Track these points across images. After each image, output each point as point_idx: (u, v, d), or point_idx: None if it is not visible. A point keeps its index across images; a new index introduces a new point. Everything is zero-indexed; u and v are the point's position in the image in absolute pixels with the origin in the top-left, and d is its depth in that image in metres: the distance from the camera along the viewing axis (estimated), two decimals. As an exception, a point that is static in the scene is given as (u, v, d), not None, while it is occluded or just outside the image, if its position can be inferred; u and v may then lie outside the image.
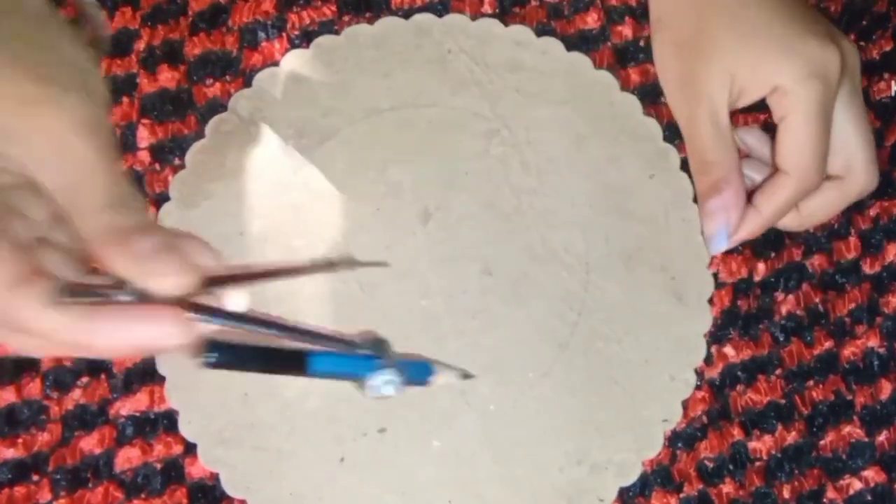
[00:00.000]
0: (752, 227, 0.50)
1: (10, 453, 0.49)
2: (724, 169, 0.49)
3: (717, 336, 0.52)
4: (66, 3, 0.37)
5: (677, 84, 0.51)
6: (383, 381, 0.44)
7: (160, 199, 0.52)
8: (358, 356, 0.45)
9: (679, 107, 0.52)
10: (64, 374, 0.50)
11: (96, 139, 0.34)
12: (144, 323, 0.34)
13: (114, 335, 0.33)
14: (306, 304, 0.50)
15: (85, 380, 0.50)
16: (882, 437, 0.52)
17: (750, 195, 0.50)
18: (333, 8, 0.55)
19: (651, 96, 0.55)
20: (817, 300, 0.53)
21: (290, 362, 0.42)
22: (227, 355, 0.37)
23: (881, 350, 0.53)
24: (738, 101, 0.50)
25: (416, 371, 0.46)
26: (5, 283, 0.31)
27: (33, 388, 0.50)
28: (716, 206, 0.50)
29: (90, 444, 0.50)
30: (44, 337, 0.33)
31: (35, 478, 0.49)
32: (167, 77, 0.54)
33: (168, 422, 0.50)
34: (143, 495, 0.49)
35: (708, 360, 0.52)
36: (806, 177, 0.49)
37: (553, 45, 0.55)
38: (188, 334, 0.34)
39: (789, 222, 0.51)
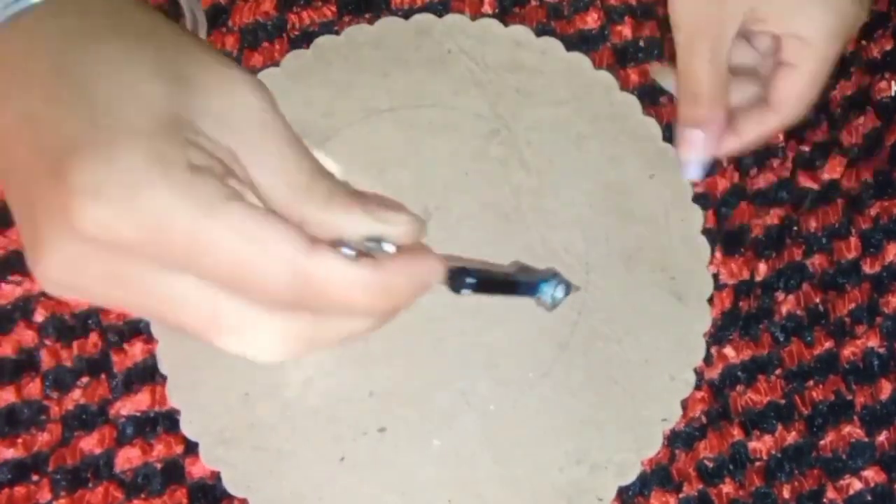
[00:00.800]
0: (727, 149, 0.51)
1: (9, 453, 0.50)
2: (713, 105, 0.50)
3: (717, 337, 0.53)
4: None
5: (685, 2, 0.50)
6: (553, 290, 0.45)
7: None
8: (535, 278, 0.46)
9: (683, 27, 0.51)
10: (64, 374, 0.51)
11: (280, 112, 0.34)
12: (425, 266, 0.34)
13: (408, 284, 0.33)
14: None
15: (85, 380, 0.51)
16: (882, 437, 0.53)
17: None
18: (333, 8, 0.56)
19: (651, 96, 0.56)
20: (817, 300, 0.54)
21: (507, 288, 0.44)
22: (478, 281, 0.38)
23: (881, 350, 0.54)
24: (747, 26, 0.50)
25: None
26: (303, 250, 0.30)
27: (33, 388, 0.51)
28: (696, 137, 0.50)
29: (90, 444, 0.50)
30: (347, 305, 0.31)
31: (35, 478, 0.50)
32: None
33: (168, 422, 0.51)
34: (143, 495, 0.50)
35: (708, 360, 0.53)
36: (793, 120, 0.51)
37: (553, 45, 0.55)
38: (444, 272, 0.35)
39: (732, 146, 0.52)
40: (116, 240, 0.28)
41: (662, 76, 0.54)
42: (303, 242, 0.30)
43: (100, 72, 0.30)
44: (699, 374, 0.52)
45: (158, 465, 0.51)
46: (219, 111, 0.31)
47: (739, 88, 0.52)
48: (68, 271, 0.29)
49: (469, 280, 0.38)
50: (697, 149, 0.51)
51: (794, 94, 0.50)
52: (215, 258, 0.29)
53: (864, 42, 0.57)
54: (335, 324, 0.32)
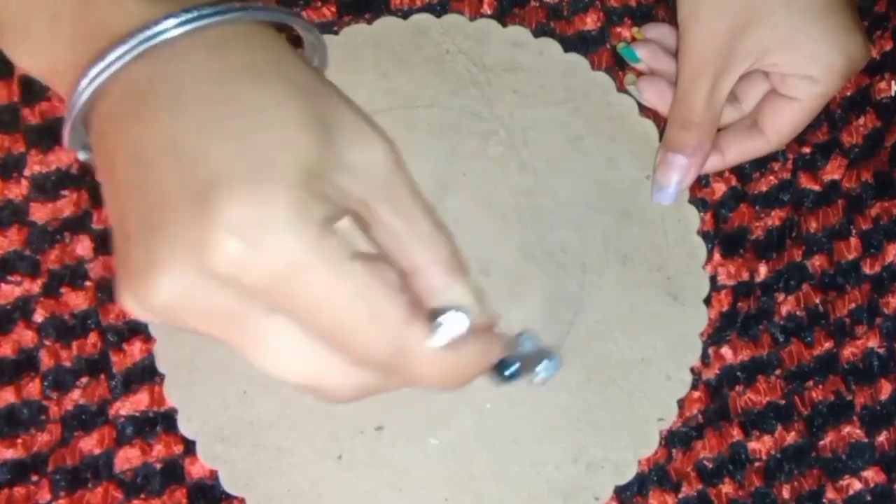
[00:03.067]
0: (709, 168, 0.55)
1: (9, 454, 0.51)
2: (703, 135, 0.53)
3: (715, 338, 0.55)
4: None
5: (700, 31, 0.52)
6: (545, 368, 0.45)
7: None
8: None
9: (693, 56, 0.53)
10: (63, 375, 0.52)
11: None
12: (492, 353, 0.36)
13: (476, 369, 0.35)
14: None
15: (84, 380, 0.52)
16: (882, 438, 0.54)
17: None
18: (333, 9, 0.58)
19: (648, 98, 0.57)
20: (817, 300, 0.56)
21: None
22: (518, 367, 0.40)
23: (881, 350, 0.55)
24: (754, 66, 0.52)
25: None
26: (406, 321, 0.32)
27: (33, 388, 0.52)
28: (680, 163, 0.53)
29: (90, 444, 0.52)
30: (422, 378, 0.33)
31: (34, 478, 0.51)
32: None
33: (167, 422, 0.52)
34: (142, 495, 0.51)
35: (706, 360, 0.54)
36: (782, 146, 0.54)
37: (551, 45, 0.57)
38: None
39: (714, 165, 0.55)
40: (240, 280, 0.29)
41: (635, 89, 0.56)
42: (407, 313, 0.32)
43: (253, 112, 0.31)
44: (696, 374, 0.54)
45: (158, 466, 0.52)
46: (356, 163, 0.32)
47: (657, 58, 0.56)
48: (178, 301, 0.30)
49: (514, 369, 0.40)
50: (678, 174, 0.53)
51: (791, 124, 0.53)
52: (328, 316, 0.31)
53: (865, 42, 0.59)
54: (398, 383, 0.34)
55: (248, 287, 0.30)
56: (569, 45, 0.58)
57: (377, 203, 0.33)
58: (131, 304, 0.31)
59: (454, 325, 0.33)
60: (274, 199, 0.29)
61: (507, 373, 0.40)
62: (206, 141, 0.30)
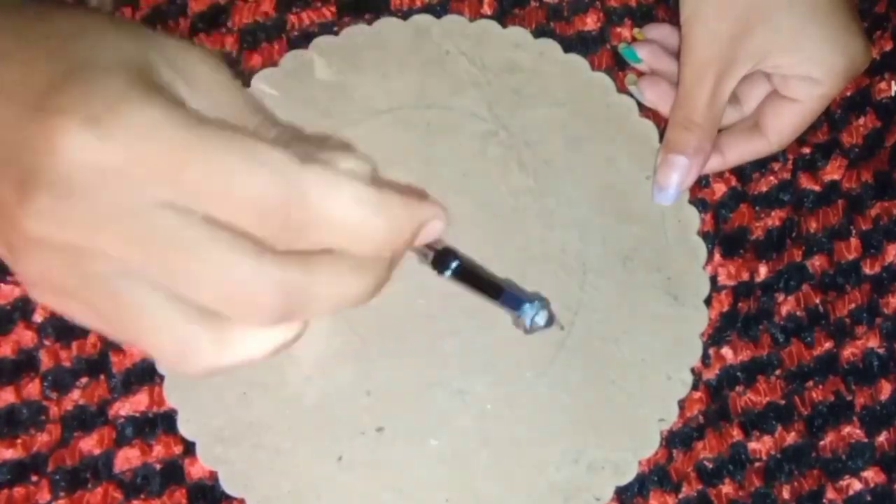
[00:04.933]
0: (710, 168, 0.55)
1: (9, 454, 0.51)
2: (704, 136, 0.53)
3: (715, 338, 0.55)
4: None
5: (703, 33, 0.52)
6: (535, 313, 0.46)
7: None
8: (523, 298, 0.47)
9: (696, 57, 0.53)
10: (63, 375, 0.52)
11: None
12: (428, 207, 0.34)
13: (409, 217, 0.32)
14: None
15: (84, 380, 0.52)
16: (882, 438, 0.54)
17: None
18: (333, 9, 0.58)
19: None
20: (817, 301, 0.56)
21: (491, 289, 0.45)
22: (462, 269, 0.40)
23: (881, 350, 0.55)
24: (756, 68, 0.53)
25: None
26: (297, 162, 0.29)
27: (32, 388, 0.52)
28: (680, 163, 0.53)
29: (89, 444, 0.52)
30: (346, 229, 0.30)
31: (34, 478, 0.51)
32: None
33: (167, 422, 0.52)
34: (142, 496, 0.51)
35: (706, 361, 0.54)
36: (783, 147, 0.54)
37: (550, 46, 0.57)
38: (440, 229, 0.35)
39: (714, 165, 0.55)
40: (107, 164, 0.27)
41: (636, 89, 0.57)
42: (295, 157, 0.29)
43: (67, 23, 0.31)
44: (696, 374, 0.54)
45: (158, 466, 0.52)
46: (175, 65, 0.31)
47: (658, 58, 0.56)
48: (53, 212, 0.28)
49: (454, 263, 0.40)
50: (679, 174, 0.53)
51: (793, 126, 0.54)
52: (204, 174, 0.28)
53: (865, 42, 0.59)
54: (330, 274, 0.31)
55: (115, 169, 0.28)
56: (569, 45, 0.58)
57: (211, 109, 0.31)
58: (21, 247, 0.29)
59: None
60: (109, 79, 0.28)
61: (444, 267, 0.40)
62: (29, 51, 0.30)
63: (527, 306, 0.46)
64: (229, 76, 0.33)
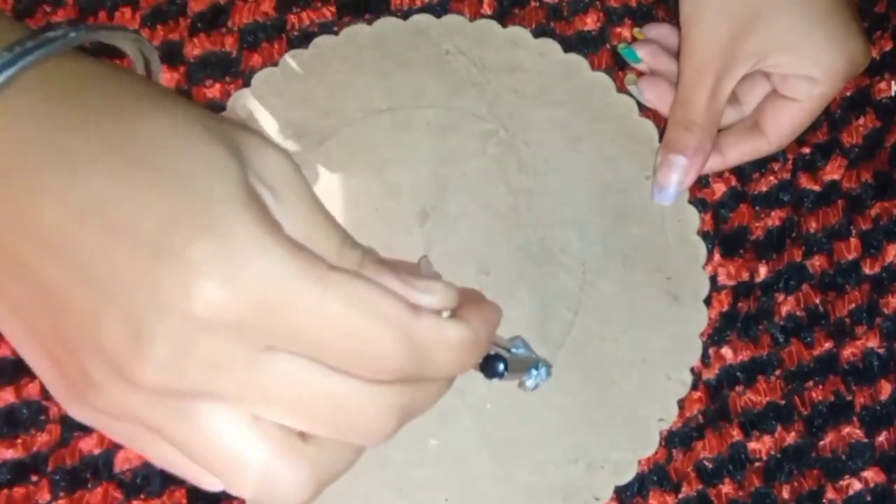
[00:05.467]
0: (709, 168, 0.55)
1: (9, 454, 0.51)
2: (704, 136, 0.53)
3: (715, 338, 0.55)
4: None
5: (703, 33, 0.53)
6: (536, 375, 0.46)
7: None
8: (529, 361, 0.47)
9: (695, 58, 0.53)
10: None
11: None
12: (493, 310, 0.35)
13: (488, 331, 0.33)
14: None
15: None
16: (882, 438, 0.54)
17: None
18: (333, 9, 0.58)
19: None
20: (817, 301, 0.56)
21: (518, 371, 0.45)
22: (505, 363, 0.40)
23: (881, 350, 0.55)
24: (756, 67, 0.53)
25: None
26: (410, 313, 0.29)
27: (32, 388, 0.52)
28: (680, 163, 0.53)
29: (89, 444, 0.52)
30: (451, 367, 0.31)
31: (34, 478, 0.51)
32: (166, 78, 0.56)
33: None
34: (142, 496, 0.51)
35: (705, 361, 0.55)
36: (783, 147, 0.55)
37: (550, 46, 0.57)
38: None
39: (714, 165, 0.55)
40: (227, 318, 0.27)
41: (636, 89, 0.57)
42: (408, 305, 0.29)
43: (169, 139, 0.28)
44: (696, 374, 0.54)
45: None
46: (258, 170, 0.29)
47: (658, 57, 0.57)
48: (174, 364, 0.27)
49: (501, 367, 0.40)
50: (679, 174, 0.53)
51: (792, 125, 0.54)
52: (331, 332, 0.28)
53: (865, 42, 0.59)
54: (427, 390, 0.32)
55: (238, 324, 0.27)
56: (569, 45, 0.58)
57: (283, 213, 0.30)
58: (116, 402, 0.28)
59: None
60: (231, 225, 0.27)
61: (498, 369, 0.40)
62: (126, 187, 0.27)
63: (534, 371, 0.46)
64: (306, 181, 0.32)
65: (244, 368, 0.28)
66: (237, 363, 0.28)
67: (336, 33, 0.57)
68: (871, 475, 0.54)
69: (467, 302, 0.33)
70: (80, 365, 0.28)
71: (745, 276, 0.56)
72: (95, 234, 0.27)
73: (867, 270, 0.56)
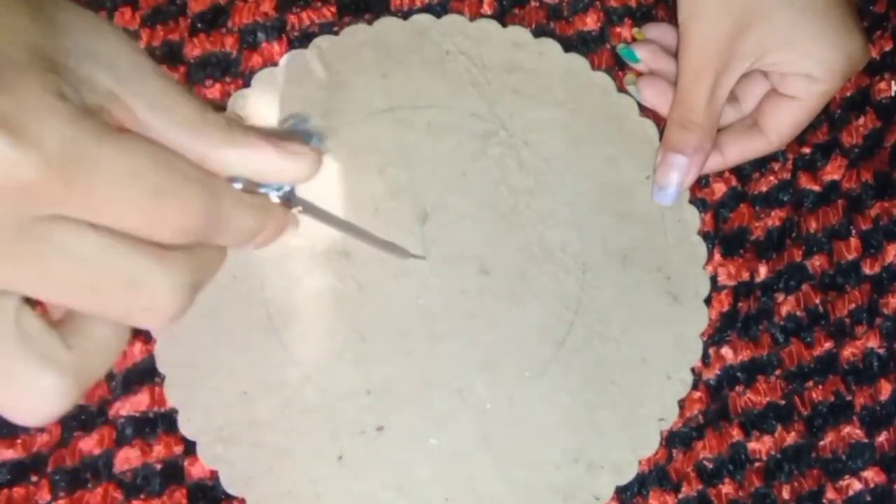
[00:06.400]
0: (710, 168, 0.55)
1: (9, 454, 0.51)
2: (704, 135, 0.53)
3: (715, 338, 0.55)
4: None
5: (701, 32, 0.53)
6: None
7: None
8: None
9: (693, 58, 0.53)
10: None
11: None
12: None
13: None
14: (305, 302, 0.53)
15: None
16: (882, 438, 0.54)
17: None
18: (333, 9, 0.58)
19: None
20: (817, 301, 0.56)
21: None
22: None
23: (881, 351, 0.55)
24: (754, 66, 0.53)
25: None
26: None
27: None
28: (680, 163, 0.53)
29: (89, 444, 0.52)
30: (242, 232, 0.31)
31: (34, 479, 0.51)
32: (166, 78, 0.56)
33: (167, 422, 0.52)
34: (142, 496, 0.51)
35: (706, 361, 0.55)
36: (783, 146, 0.55)
37: (551, 46, 0.58)
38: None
39: (714, 165, 0.55)
40: (13, 178, 0.26)
41: (635, 89, 0.57)
42: (204, 169, 0.30)
43: None
44: (696, 374, 0.54)
45: (158, 466, 0.52)
46: (92, 51, 0.29)
47: (656, 57, 0.57)
48: None
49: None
50: (679, 174, 0.54)
51: (792, 124, 0.54)
52: (136, 189, 0.27)
53: (865, 42, 0.59)
54: (211, 259, 0.32)
55: (20, 185, 0.26)
56: (569, 45, 0.58)
57: (131, 92, 0.30)
58: None
59: None
60: (22, 84, 0.26)
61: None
62: None
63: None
64: (150, 59, 0.31)
65: (19, 239, 0.27)
66: (10, 234, 0.27)
67: (336, 33, 0.58)
68: (871, 475, 0.54)
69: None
70: None
71: (746, 276, 0.56)
72: None
73: (867, 270, 0.57)
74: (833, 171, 0.58)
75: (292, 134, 0.42)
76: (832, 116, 0.58)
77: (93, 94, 0.29)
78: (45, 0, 0.29)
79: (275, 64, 0.57)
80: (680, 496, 0.53)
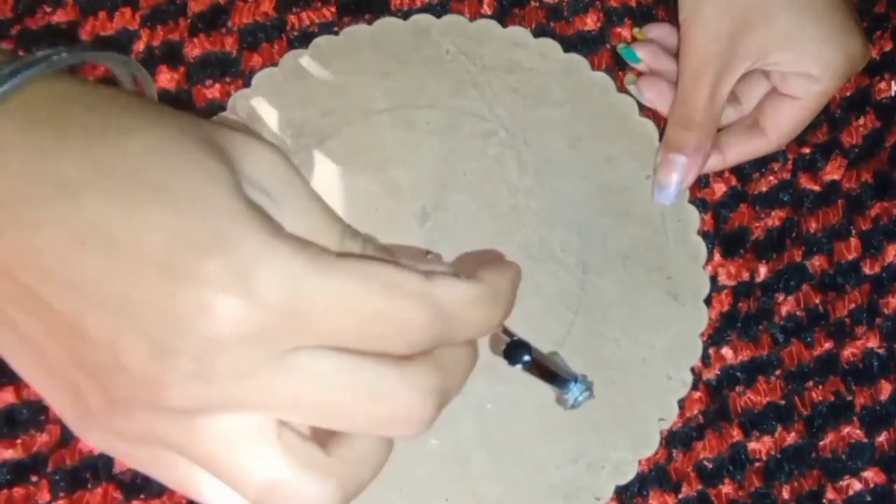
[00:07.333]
0: (709, 168, 0.55)
1: (9, 454, 0.51)
2: (704, 135, 0.53)
3: (715, 338, 0.55)
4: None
5: (702, 32, 0.53)
6: (582, 391, 0.46)
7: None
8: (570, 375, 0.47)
9: (694, 58, 0.53)
10: None
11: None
12: (511, 268, 0.34)
13: (509, 285, 0.33)
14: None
15: None
16: (882, 438, 0.54)
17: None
18: (333, 9, 0.58)
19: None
20: (817, 301, 0.56)
21: (550, 376, 0.45)
22: (532, 361, 0.41)
23: (881, 351, 0.55)
24: (755, 66, 0.53)
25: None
26: (423, 278, 0.29)
27: (32, 389, 0.52)
28: (680, 163, 0.54)
29: (89, 444, 0.52)
30: (473, 324, 0.31)
31: (34, 479, 0.51)
32: (167, 78, 0.57)
33: None
34: (142, 496, 0.51)
35: (706, 361, 0.55)
36: (783, 146, 0.55)
37: (551, 46, 0.58)
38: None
39: (714, 164, 0.55)
40: (257, 330, 0.27)
41: (636, 89, 0.57)
42: (418, 273, 0.30)
43: (146, 159, 0.28)
44: (696, 374, 0.54)
45: (157, 466, 0.52)
46: (249, 173, 0.29)
47: (657, 57, 0.57)
48: (199, 380, 0.27)
49: (526, 357, 0.41)
50: (679, 174, 0.54)
51: (792, 123, 0.54)
52: (353, 317, 0.28)
53: (865, 42, 0.59)
54: (456, 361, 0.32)
55: (259, 332, 0.27)
56: (569, 45, 0.58)
57: (281, 210, 0.30)
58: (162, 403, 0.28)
59: None
60: (237, 235, 0.27)
61: (522, 356, 0.40)
62: (131, 208, 0.27)
63: (573, 386, 0.46)
64: (300, 176, 0.32)
65: (270, 373, 0.28)
66: (262, 369, 0.28)
67: (336, 33, 0.58)
68: (871, 475, 0.54)
69: (484, 263, 0.33)
70: (101, 390, 0.28)
71: (746, 276, 0.56)
72: (100, 258, 0.27)
73: (867, 270, 0.57)
74: (833, 171, 0.58)
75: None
76: (832, 116, 0.58)
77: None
78: (214, 134, 0.30)
79: (275, 64, 0.57)
80: (680, 496, 0.53)
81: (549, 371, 0.45)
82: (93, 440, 0.30)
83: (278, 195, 0.30)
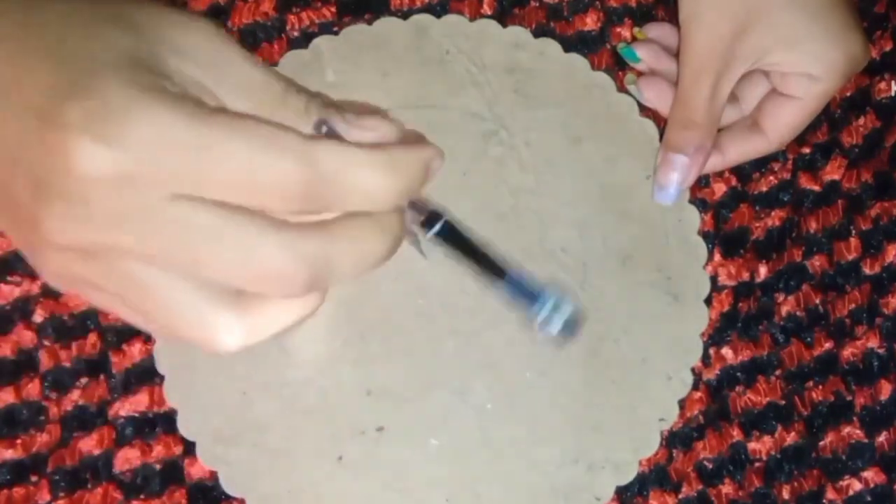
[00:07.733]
0: (710, 168, 0.55)
1: (8, 454, 0.51)
2: (705, 135, 0.53)
3: (715, 338, 0.55)
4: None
5: (702, 32, 0.53)
6: (544, 307, 0.40)
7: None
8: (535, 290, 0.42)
9: (694, 58, 0.53)
10: (63, 375, 0.52)
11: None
12: (428, 149, 0.36)
13: (415, 162, 0.35)
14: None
15: (84, 380, 0.52)
16: (882, 438, 0.54)
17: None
18: (333, 9, 0.58)
19: (648, 98, 0.58)
20: (817, 301, 0.56)
21: (491, 267, 0.42)
22: (450, 231, 0.40)
23: (881, 351, 0.55)
24: (755, 66, 0.53)
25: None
26: (306, 140, 0.31)
27: (32, 388, 0.52)
28: (680, 163, 0.53)
29: (89, 444, 0.52)
30: (361, 190, 0.32)
31: (34, 479, 0.51)
32: (166, 78, 0.56)
33: (167, 422, 0.52)
34: (142, 496, 0.51)
35: (706, 361, 0.55)
36: (783, 146, 0.55)
37: (551, 46, 0.58)
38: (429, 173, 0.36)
39: (714, 164, 0.55)
40: (119, 173, 0.29)
41: (636, 89, 0.57)
42: (303, 135, 0.31)
43: (65, 23, 0.31)
44: (696, 374, 0.54)
45: (157, 466, 0.52)
46: (175, 46, 0.32)
47: (657, 57, 0.57)
48: (73, 219, 0.30)
49: (441, 225, 0.40)
50: (679, 174, 0.53)
51: (792, 124, 0.54)
52: (225, 165, 0.30)
53: (865, 42, 0.59)
54: (352, 238, 0.33)
55: (128, 177, 0.29)
56: (569, 45, 0.58)
57: (216, 80, 0.33)
58: (44, 248, 0.31)
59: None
60: (106, 87, 0.29)
61: (432, 226, 0.39)
62: (28, 59, 0.31)
63: (544, 300, 0.40)
64: (234, 43, 0.34)
65: (145, 218, 0.30)
66: (138, 213, 0.30)
67: (336, 33, 0.57)
68: (871, 475, 0.54)
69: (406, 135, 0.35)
70: (18, 230, 0.32)
71: (746, 276, 0.56)
72: None
73: (867, 270, 0.57)
74: (833, 171, 0.58)
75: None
76: (832, 116, 0.58)
77: (186, 84, 0.31)
78: (123, 5, 0.33)
79: (275, 64, 0.57)
80: (680, 496, 0.53)
81: (472, 248, 0.41)
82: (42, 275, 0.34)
83: (214, 62, 0.33)
